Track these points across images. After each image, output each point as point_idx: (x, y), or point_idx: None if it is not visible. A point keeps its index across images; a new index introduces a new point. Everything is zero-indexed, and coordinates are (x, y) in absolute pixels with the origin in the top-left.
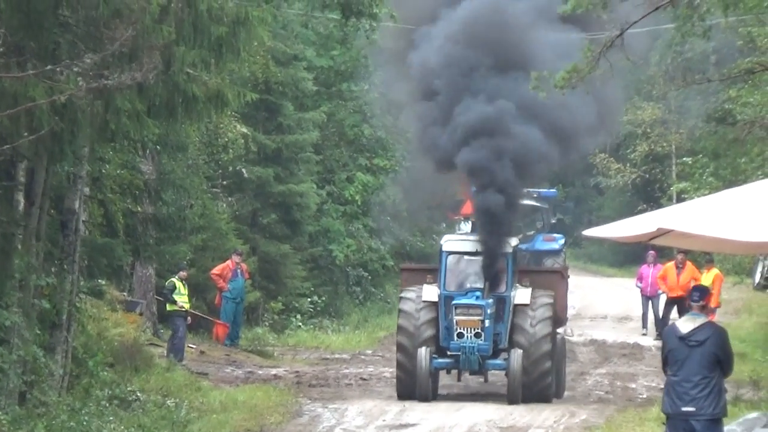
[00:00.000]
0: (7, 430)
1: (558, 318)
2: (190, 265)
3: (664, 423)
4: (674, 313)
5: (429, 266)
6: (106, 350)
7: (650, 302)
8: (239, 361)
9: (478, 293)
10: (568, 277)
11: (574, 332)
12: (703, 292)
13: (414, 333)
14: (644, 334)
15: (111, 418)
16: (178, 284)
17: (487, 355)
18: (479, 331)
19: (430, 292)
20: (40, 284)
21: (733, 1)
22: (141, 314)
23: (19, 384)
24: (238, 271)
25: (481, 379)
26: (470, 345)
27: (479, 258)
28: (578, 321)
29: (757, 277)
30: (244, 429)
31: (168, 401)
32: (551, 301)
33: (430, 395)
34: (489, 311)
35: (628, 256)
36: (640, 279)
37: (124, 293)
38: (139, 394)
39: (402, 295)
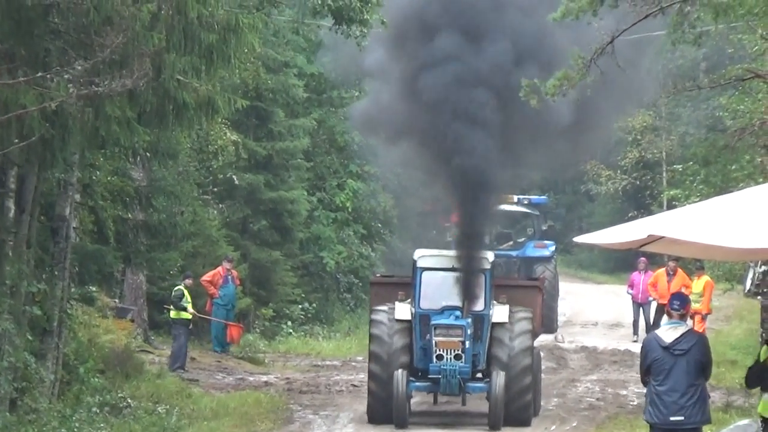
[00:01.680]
0: None
1: (536, 334)
2: (181, 272)
3: None
4: (665, 319)
5: (400, 280)
6: (97, 357)
7: (641, 309)
8: (230, 367)
9: (456, 312)
10: (543, 293)
11: (564, 339)
12: (683, 300)
13: (387, 360)
14: (635, 341)
15: (102, 424)
16: (186, 292)
17: (467, 377)
18: (459, 352)
19: (403, 310)
20: (31, 291)
21: (724, 8)
22: (132, 321)
23: (9, 390)
24: (229, 277)
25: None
26: (450, 368)
27: (455, 274)
28: (569, 328)
29: (748, 284)
30: None
31: (159, 408)
32: (530, 327)
33: (407, 420)
34: (469, 331)
35: (619, 262)
36: (631, 286)
37: (115, 300)
38: (129, 401)
39: (372, 316)
